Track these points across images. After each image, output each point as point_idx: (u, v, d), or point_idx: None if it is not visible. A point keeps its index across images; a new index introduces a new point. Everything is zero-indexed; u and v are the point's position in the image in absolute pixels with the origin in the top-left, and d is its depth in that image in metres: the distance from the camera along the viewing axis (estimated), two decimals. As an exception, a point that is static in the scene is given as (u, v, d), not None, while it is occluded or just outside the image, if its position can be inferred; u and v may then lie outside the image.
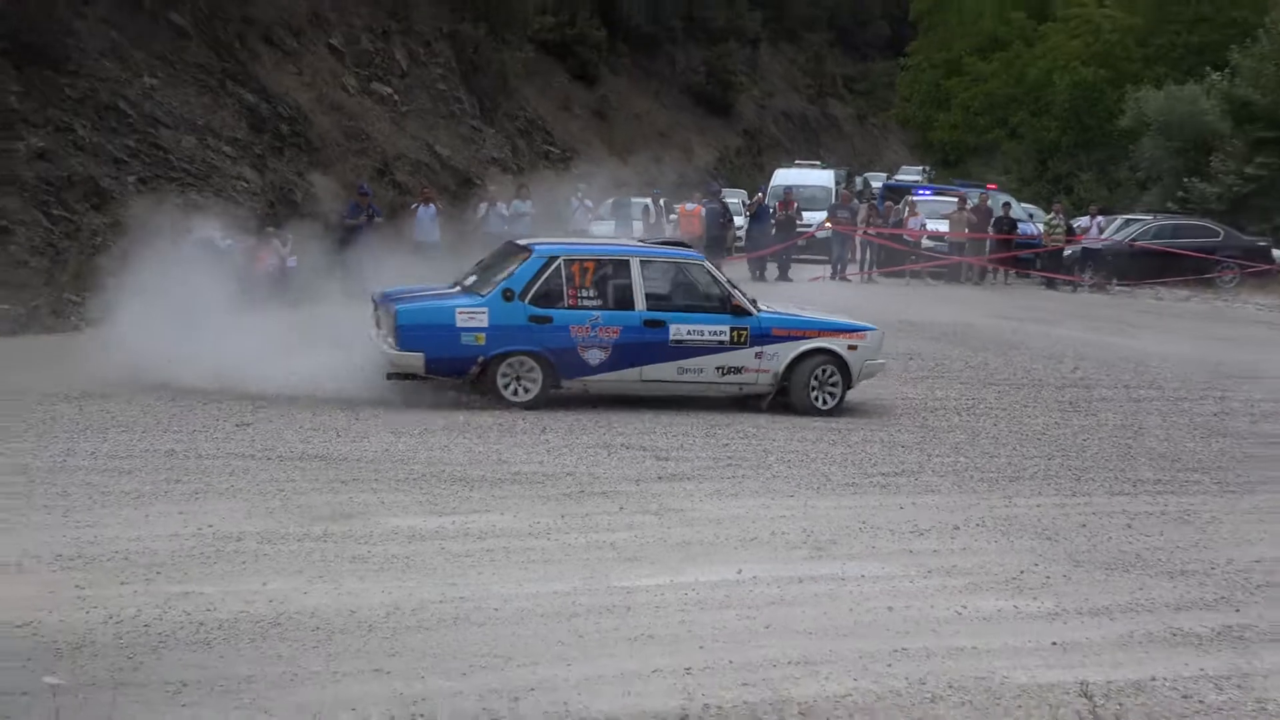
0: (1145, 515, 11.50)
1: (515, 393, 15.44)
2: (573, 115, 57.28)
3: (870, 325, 16.69)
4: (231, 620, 7.92)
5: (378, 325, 15.97)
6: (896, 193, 42.02)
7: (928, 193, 40.99)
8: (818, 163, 52.72)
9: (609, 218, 36.69)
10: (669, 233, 35.93)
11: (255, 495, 11.01)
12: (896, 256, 35.65)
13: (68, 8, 27.72)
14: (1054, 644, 8.08)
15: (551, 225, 33.45)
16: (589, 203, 35.26)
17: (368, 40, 40.73)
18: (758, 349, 15.94)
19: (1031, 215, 38.98)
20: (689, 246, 18.01)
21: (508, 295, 15.50)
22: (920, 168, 61.11)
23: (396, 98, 40.39)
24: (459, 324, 15.33)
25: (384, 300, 15.93)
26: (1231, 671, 7.71)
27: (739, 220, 37.44)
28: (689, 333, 15.78)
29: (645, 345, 15.67)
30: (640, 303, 15.77)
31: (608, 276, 15.90)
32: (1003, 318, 23.26)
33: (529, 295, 15.51)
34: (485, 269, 16.54)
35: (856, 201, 37.80)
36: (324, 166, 32.81)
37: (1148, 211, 41.09)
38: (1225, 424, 16.28)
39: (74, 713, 6.46)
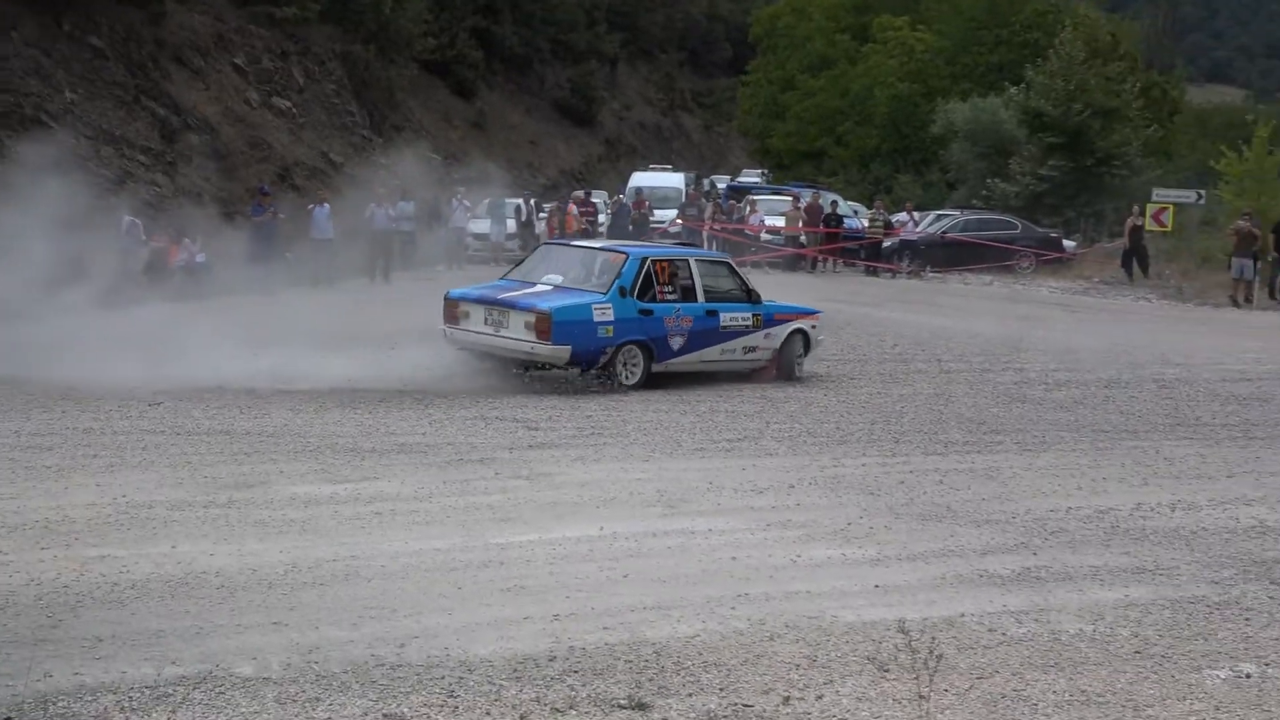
0: (955, 472, 11.59)
1: (625, 377, 15.70)
2: (453, 126, 56.93)
3: (818, 309, 18.17)
4: (143, 580, 7.74)
5: (497, 325, 15.63)
6: (739, 193, 42.23)
7: (766, 192, 41.25)
8: (670, 167, 52.78)
9: (485, 216, 36.59)
10: (539, 230, 35.91)
11: (165, 467, 10.80)
12: (739, 248, 35.79)
13: (-6, 31, 27.14)
14: (876, 586, 8.10)
15: (433, 224, 33.34)
16: (467, 203, 35.12)
17: (268, 60, 40.26)
18: (766, 330, 16.94)
19: (856, 211, 39.31)
20: (697, 246, 18.61)
21: (623, 292, 15.76)
22: (759, 170, 61.40)
23: (295, 111, 39.97)
24: (595, 319, 15.46)
25: (505, 301, 15.72)
26: (1030, 607, 7.78)
27: (602, 218, 37.43)
28: (732, 319, 16.62)
29: (707, 331, 16.34)
30: (701, 295, 16.41)
31: (677, 274, 16.45)
32: (832, 301, 23.37)
33: (635, 292, 15.84)
34: (566, 269, 16.51)
35: (704, 200, 37.90)
36: (230, 172, 32.39)
37: (956, 208, 41.63)
38: (1024, 392, 16.48)
39: (-3, 668, 6.28)
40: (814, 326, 17.57)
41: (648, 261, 16.17)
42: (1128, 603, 7.91)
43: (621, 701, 6.16)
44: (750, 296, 16.96)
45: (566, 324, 15.24)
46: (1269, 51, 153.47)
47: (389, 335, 17.62)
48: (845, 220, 36.64)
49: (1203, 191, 37.34)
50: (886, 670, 6.58)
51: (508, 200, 38.25)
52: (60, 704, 5.89)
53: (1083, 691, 6.47)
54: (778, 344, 16.98)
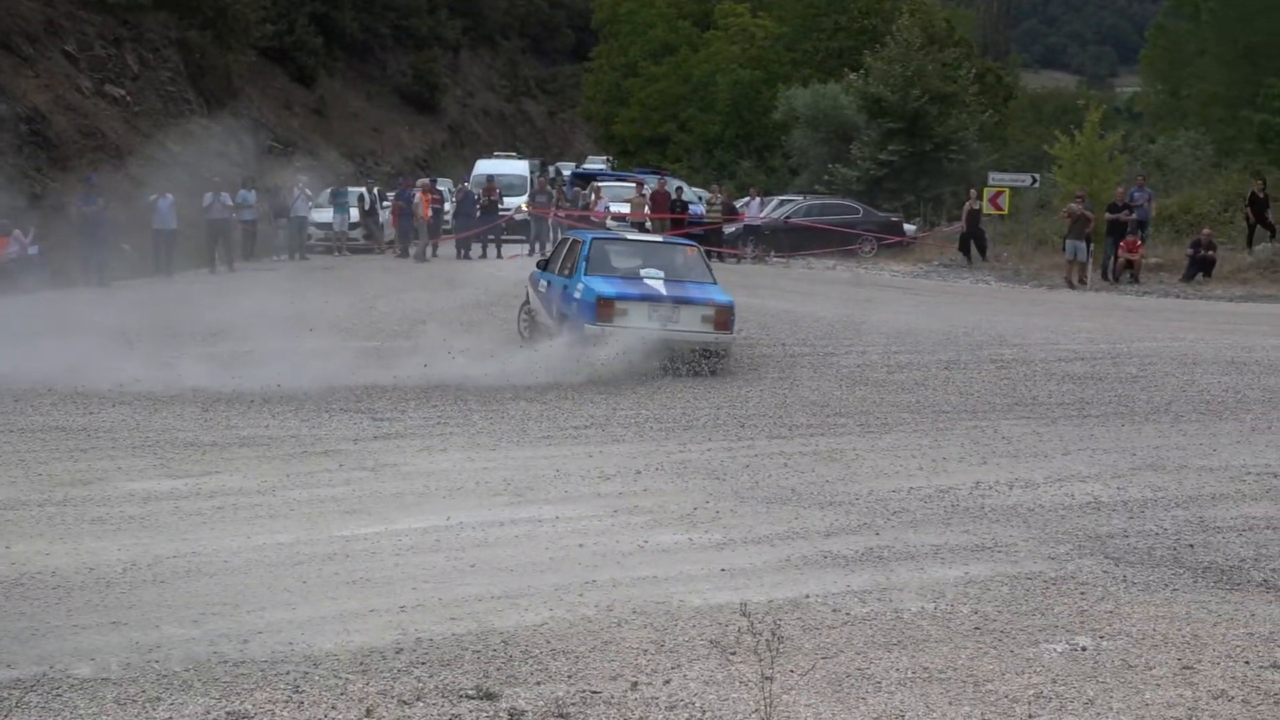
0: (799, 455, 11.70)
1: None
2: (293, 114, 56.15)
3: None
4: (-25, 583, 7.55)
5: (666, 319, 16.65)
6: (584, 179, 42.18)
7: (610, 179, 41.29)
8: (515, 154, 52.62)
9: (327, 205, 36.22)
10: (383, 219, 35.62)
11: (-2, 466, 10.54)
12: (585, 236, 35.77)
13: None
14: (723, 570, 8.15)
15: (275, 213, 32.93)
16: (309, 191, 34.71)
17: (100, 46, 39.36)
18: None
19: (701, 198, 39.52)
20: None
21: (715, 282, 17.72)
22: (604, 157, 61.49)
23: (129, 99, 39.15)
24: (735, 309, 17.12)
25: (678, 298, 16.85)
26: (873, 587, 7.88)
27: (448, 206, 37.19)
28: None
29: None
30: None
31: None
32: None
33: None
34: (655, 263, 17.69)
35: (550, 188, 37.86)
36: (62, 163, 31.64)
37: (799, 193, 42.03)
38: (866, 374, 16.69)
39: None
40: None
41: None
42: (968, 580, 8.05)
43: (469, 692, 6.14)
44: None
45: (733, 314, 16.94)
46: (1100, 38, 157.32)
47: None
48: (690, 207, 36.80)
49: (1037, 175, 38.07)
50: (732, 654, 6.63)
51: (350, 189, 37.88)
52: (-112, 712, 5.72)
53: (925, 669, 6.58)
54: None
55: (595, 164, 56.49)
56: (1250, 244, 31.32)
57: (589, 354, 16.08)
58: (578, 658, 6.63)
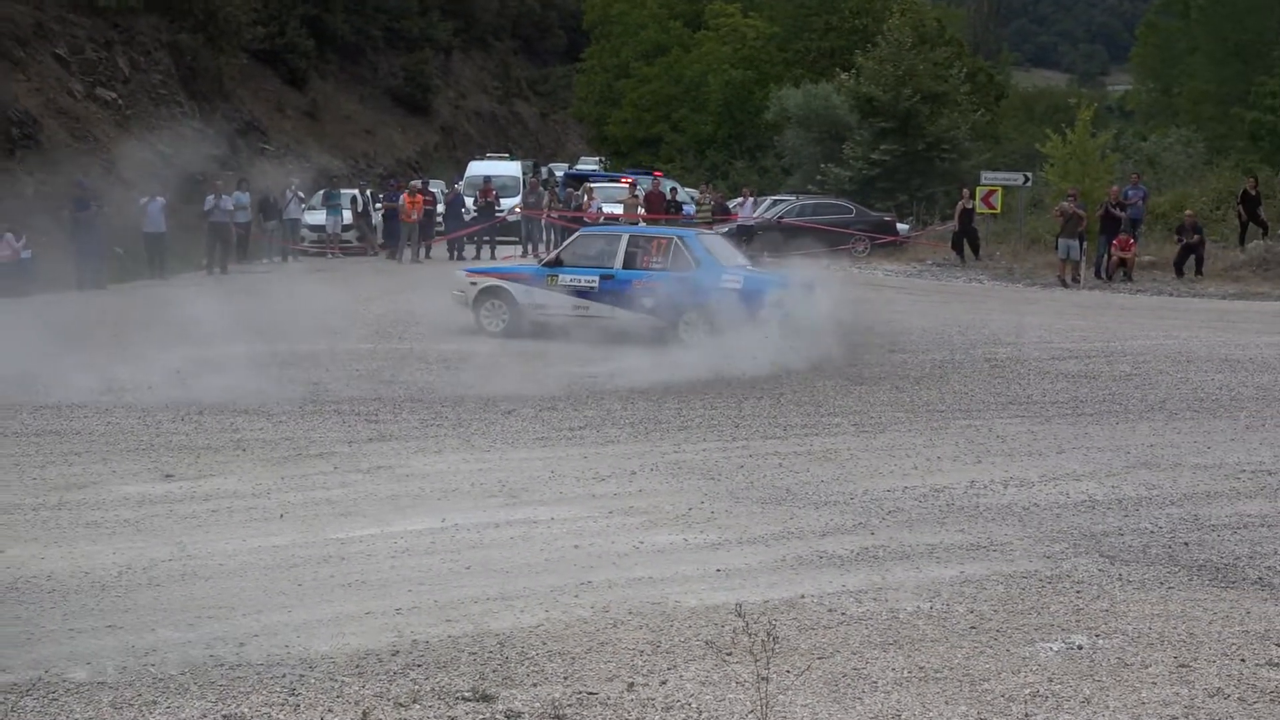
0: (794, 455, 11.70)
1: None
2: (285, 116, 56.08)
3: None
4: (-30, 588, 7.54)
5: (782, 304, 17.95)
6: (576, 180, 42.16)
7: (603, 180, 41.29)
8: (507, 155, 52.60)
9: (320, 207, 36.22)
10: (375, 220, 35.62)
11: (-9, 470, 10.53)
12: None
13: None
14: (718, 570, 8.16)
15: (267, 215, 32.93)
16: (302, 194, 34.72)
17: (91, 49, 39.30)
18: None
19: (692, 198, 39.52)
20: None
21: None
22: (597, 158, 61.49)
23: (121, 102, 39.10)
24: None
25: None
26: (869, 586, 7.89)
27: (440, 207, 37.17)
28: None
29: None
30: None
31: None
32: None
33: None
34: (730, 257, 19.80)
35: (542, 189, 37.85)
36: (53, 166, 31.57)
37: (791, 192, 42.03)
38: (860, 373, 16.68)
39: None
40: None
41: None
42: (963, 579, 8.06)
43: (466, 694, 6.14)
44: None
45: None
46: (1091, 36, 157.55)
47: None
48: (684, 207, 36.85)
49: (1029, 174, 38.12)
50: (728, 654, 6.63)
51: (343, 191, 37.88)
52: (-116, 717, 5.72)
53: (921, 668, 6.58)
54: None
55: (588, 165, 56.46)
56: (1243, 242, 31.39)
57: (771, 341, 17.11)
58: (574, 659, 6.63)
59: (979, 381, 16.23)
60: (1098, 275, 30.19)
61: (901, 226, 38.90)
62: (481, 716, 5.92)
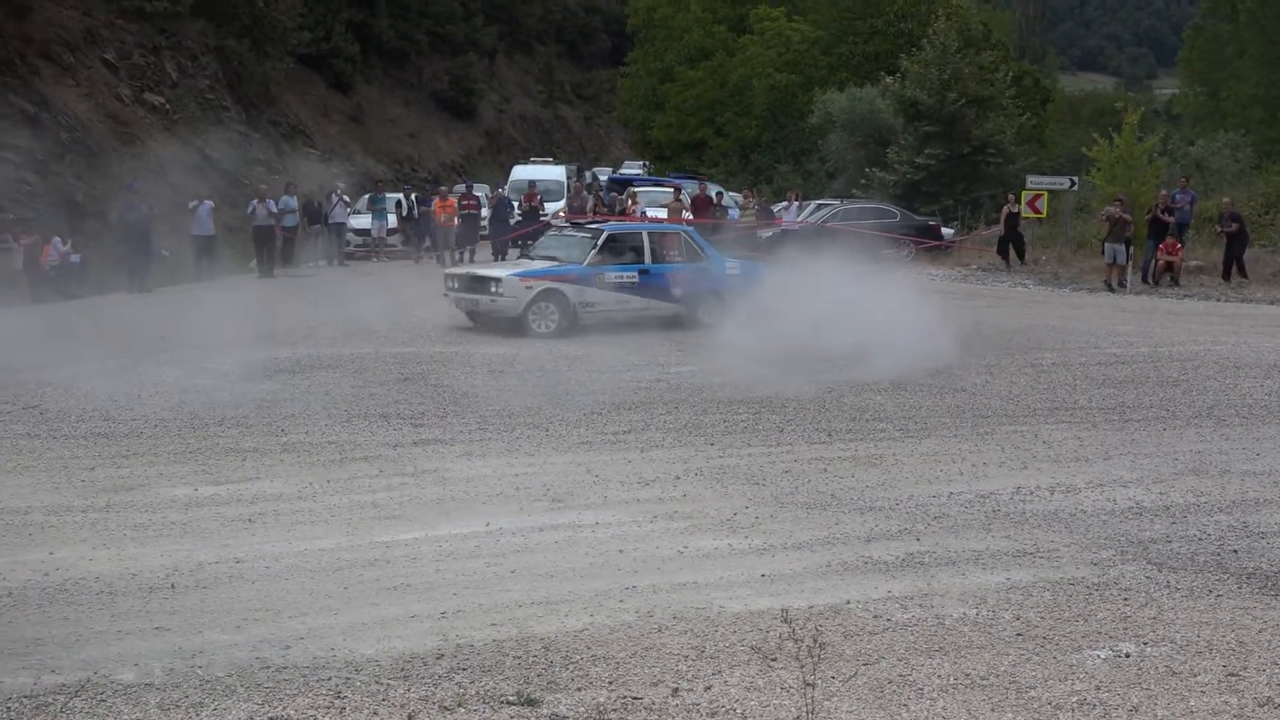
0: (839, 460, 11.68)
1: None
2: (331, 121, 56.39)
3: None
4: (20, 588, 7.61)
5: None
6: (620, 185, 42.14)
7: (647, 184, 41.28)
8: (551, 159, 52.64)
9: (365, 211, 36.39)
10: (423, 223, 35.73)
11: (42, 471, 10.62)
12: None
13: None
14: (763, 576, 8.15)
15: (313, 219, 33.09)
16: (347, 198, 34.88)
17: (139, 55, 39.61)
18: None
19: (736, 203, 39.46)
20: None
21: None
22: (640, 162, 61.46)
23: (168, 106, 39.37)
24: None
25: None
26: (914, 592, 7.86)
27: (484, 211, 37.26)
28: None
29: None
30: None
31: None
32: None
33: None
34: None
35: (586, 193, 37.86)
36: (102, 170, 31.84)
37: (836, 197, 41.90)
38: (905, 379, 16.59)
39: None
40: None
41: None
42: (1009, 586, 8.02)
43: (510, 698, 6.15)
44: None
45: None
46: (1137, 40, 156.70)
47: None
48: (729, 211, 36.83)
49: (1076, 178, 37.88)
50: (773, 660, 6.62)
51: (388, 195, 38.02)
52: (-65, 717, 5.77)
53: (967, 675, 6.55)
54: None
55: (631, 169, 56.45)
56: (1291, 246, 31.14)
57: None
58: (618, 663, 6.63)
59: (1025, 386, 16.14)
60: (1145, 280, 29.98)
61: (946, 231, 38.70)
62: (526, 721, 5.94)
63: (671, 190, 37.28)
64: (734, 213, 37.06)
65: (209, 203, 29.23)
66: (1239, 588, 8.10)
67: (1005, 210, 34.26)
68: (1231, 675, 6.61)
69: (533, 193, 36.08)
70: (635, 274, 20.75)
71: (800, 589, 7.89)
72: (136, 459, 11.19)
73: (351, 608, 7.41)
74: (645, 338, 19.31)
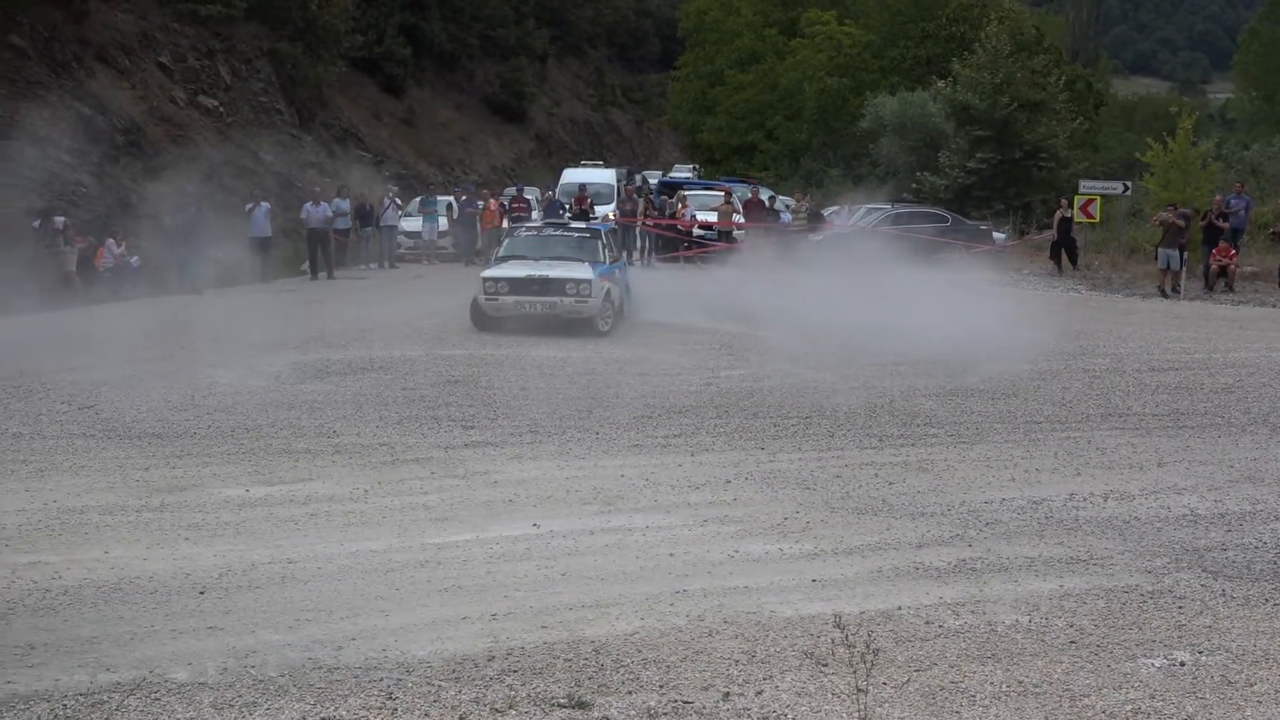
0: (890, 465, 11.63)
1: None
2: (382, 123, 56.60)
3: None
4: (76, 587, 7.68)
5: None
6: (670, 188, 42.15)
7: (697, 188, 41.28)
8: (601, 163, 52.67)
9: (416, 213, 36.56)
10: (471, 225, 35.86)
11: (97, 471, 10.71)
12: (672, 244, 35.90)
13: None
14: (814, 581, 8.12)
15: (364, 222, 33.28)
16: (399, 200, 35.07)
17: (194, 58, 39.90)
18: None
19: (787, 206, 39.41)
20: None
21: None
22: (690, 166, 61.44)
23: (222, 109, 39.66)
24: None
25: None
26: (966, 599, 7.82)
27: (535, 214, 37.33)
28: None
29: None
30: None
31: None
32: (766, 295, 23.36)
33: None
34: None
35: (636, 196, 37.92)
36: (156, 172, 32.09)
37: (887, 201, 41.77)
38: (956, 383, 16.52)
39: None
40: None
41: None
42: (1063, 593, 7.97)
43: (561, 701, 6.15)
44: None
45: None
46: (1191, 44, 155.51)
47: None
48: (781, 215, 36.82)
49: (1129, 183, 37.65)
50: (824, 665, 6.60)
51: (439, 198, 38.18)
52: (-8, 714, 5.82)
53: (1019, 682, 6.51)
54: None
55: (682, 172, 56.49)
56: (1347, 253, 30.81)
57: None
58: (669, 667, 6.62)
59: (1077, 392, 16.03)
60: (1205, 287, 29.72)
61: (998, 235, 38.51)
62: (577, 724, 5.94)
63: (722, 194, 37.27)
64: (786, 216, 37.03)
65: (266, 204, 29.48)
66: (1295, 597, 8.02)
67: (1058, 215, 34.10)
68: (1288, 685, 6.55)
69: (583, 196, 36.13)
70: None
71: (851, 594, 7.86)
72: (190, 459, 11.27)
73: (403, 609, 7.43)
74: (696, 341, 19.30)
